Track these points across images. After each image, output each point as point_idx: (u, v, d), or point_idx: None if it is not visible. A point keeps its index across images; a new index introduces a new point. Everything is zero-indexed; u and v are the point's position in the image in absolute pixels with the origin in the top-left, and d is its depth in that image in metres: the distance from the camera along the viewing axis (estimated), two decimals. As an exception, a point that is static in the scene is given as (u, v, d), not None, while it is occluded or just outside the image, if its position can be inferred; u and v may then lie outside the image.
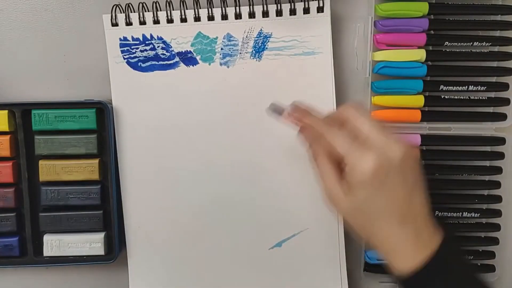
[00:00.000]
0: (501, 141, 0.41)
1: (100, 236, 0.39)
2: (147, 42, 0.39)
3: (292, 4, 0.37)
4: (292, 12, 0.38)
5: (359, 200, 0.30)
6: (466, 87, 0.39)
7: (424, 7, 0.38)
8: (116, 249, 0.39)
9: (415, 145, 0.30)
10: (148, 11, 0.38)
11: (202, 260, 0.41)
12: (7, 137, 0.38)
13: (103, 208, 0.39)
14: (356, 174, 0.29)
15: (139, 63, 0.39)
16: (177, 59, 0.39)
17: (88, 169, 0.38)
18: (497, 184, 0.41)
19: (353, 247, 0.42)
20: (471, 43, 0.39)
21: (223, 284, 0.41)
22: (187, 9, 0.38)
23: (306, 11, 0.38)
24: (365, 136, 0.29)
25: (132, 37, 0.39)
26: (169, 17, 0.38)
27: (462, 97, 0.40)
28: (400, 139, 0.29)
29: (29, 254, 0.40)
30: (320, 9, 0.38)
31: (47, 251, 0.39)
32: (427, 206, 0.30)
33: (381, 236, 0.30)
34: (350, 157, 0.29)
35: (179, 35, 0.39)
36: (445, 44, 0.39)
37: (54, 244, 0.39)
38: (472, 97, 0.40)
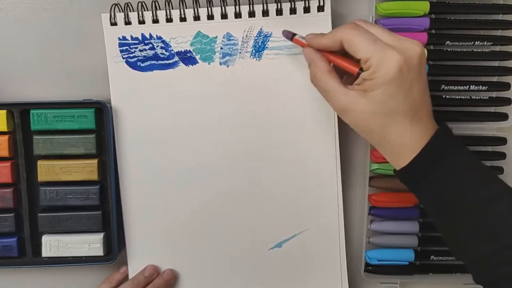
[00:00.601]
0: (503, 141, 0.41)
1: (99, 236, 0.39)
2: (146, 41, 0.38)
3: (293, 3, 0.37)
4: (292, 11, 0.37)
5: (379, 99, 0.30)
6: (468, 86, 0.39)
7: (425, 6, 0.38)
8: (115, 250, 0.39)
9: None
10: (147, 10, 0.38)
11: (202, 261, 0.41)
12: (6, 137, 0.38)
13: (102, 208, 0.39)
14: (382, 73, 0.29)
15: (138, 63, 0.39)
16: (176, 58, 0.39)
17: (87, 169, 0.38)
18: None
19: (354, 248, 0.42)
20: (472, 43, 0.39)
21: (223, 284, 0.41)
22: (186, 8, 0.38)
23: (307, 10, 0.37)
24: (383, 39, 0.30)
25: (131, 37, 0.38)
26: (169, 16, 0.38)
27: (463, 97, 0.40)
28: (412, 39, 0.31)
29: (28, 255, 0.39)
30: (320, 8, 0.37)
31: (46, 252, 0.39)
32: (431, 103, 0.32)
33: (395, 134, 0.31)
34: (375, 57, 0.30)
35: (178, 35, 0.38)
36: (446, 43, 0.39)
37: (53, 244, 0.39)
38: (473, 97, 0.40)
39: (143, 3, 0.38)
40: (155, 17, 0.38)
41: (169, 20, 0.38)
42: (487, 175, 0.31)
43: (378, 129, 0.31)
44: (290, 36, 0.36)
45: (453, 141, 0.31)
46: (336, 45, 0.32)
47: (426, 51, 0.32)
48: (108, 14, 0.38)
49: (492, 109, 0.41)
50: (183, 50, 0.38)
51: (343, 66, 0.32)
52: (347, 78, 0.33)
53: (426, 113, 0.31)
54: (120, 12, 0.38)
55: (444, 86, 0.39)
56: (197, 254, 0.41)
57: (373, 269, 0.41)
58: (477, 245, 0.30)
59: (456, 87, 0.39)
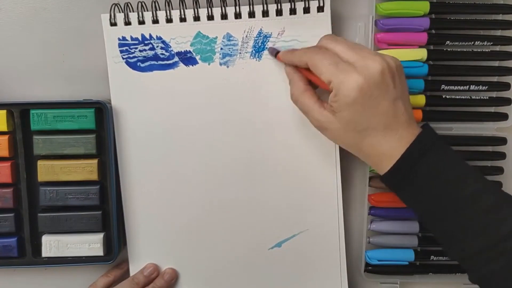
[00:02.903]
0: (503, 141, 0.41)
1: (99, 236, 0.39)
2: (146, 42, 0.38)
3: (292, 3, 0.37)
4: (292, 11, 0.37)
5: (348, 119, 0.31)
6: (468, 86, 0.39)
7: (425, 6, 0.38)
8: (115, 250, 0.39)
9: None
10: (147, 10, 0.38)
11: (202, 260, 0.41)
12: (6, 137, 0.38)
13: (102, 208, 0.39)
14: (342, 95, 0.31)
15: (138, 63, 0.39)
16: (176, 59, 0.39)
17: (87, 169, 0.38)
18: (499, 185, 0.41)
19: (354, 248, 0.42)
20: (472, 43, 0.39)
21: (223, 283, 0.41)
22: (186, 8, 0.38)
23: (306, 10, 0.37)
24: (345, 59, 0.31)
25: (131, 37, 0.38)
26: (168, 17, 0.38)
27: (463, 97, 0.40)
28: (377, 53, 0.32)
29: (28, 255, 0.39)
30: (320, 9, 0.37)
31: (46, 252, 0.39)
32: (409, 111, 0.32)
33: (369, 148, 0.32)
34: (335, 81, 0.31)
35: (178, 35, 0.38)
36: (446, 43, 0.39)
37: (52, 244, 0.39)
38: (473, 97, 0.40)
39: (143, 4, 0.38)
40: (155, 18, 0.38)
41: (169, 20, 0.38)
42: (469, 173, 0.31)
43: (353, 145, 0.33)
44: (274, 53, 0.37)
45: (433, 143, 0.32)
46: (304, 65, 0.34)
47: (394, 64, 0.31)
48: (108, 15, 0.38)
49: (492, 109, 0.41)
50: (183, 51, 0.38)
51: (317, 83, 0.34)
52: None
53: (402, 122, 0.31)
54: (120, 12, 0.38)
55: (444, 86, 0.39)
56: (197, 253, 0.41)
57: (373, 269, 0.41)
58: (464, 242, 0.30)
59: (456, 87, 0.39)
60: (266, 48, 0.38)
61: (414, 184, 0.32)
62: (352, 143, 0.33)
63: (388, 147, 0.31)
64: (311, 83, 0.35)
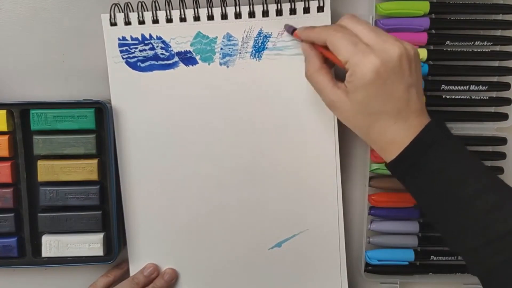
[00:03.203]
0: (503, 141, 0.41)
1: (99, 236, 0.39)
2: (146, 41, 0.38)
3: (292, 3, 0.37)
4: (292, 11, 0.37)
5: (361, 100, 0.31)
6: (468, 86, 0.39)
7: (425, 6, 0.38)
8: (115, 250, 0.39)
9: (413, 44, 0.33)
10: (147, 10, 0.38)
11: (202, 260, 0.41)
12: (6, 137, 0.38)
13: (102, 208, 0.39)
14: (358, 76, 0.30)
15: (138, 63, 0.39)
16: (176, 59, 0.39)
17: (87, 169, 0.38)
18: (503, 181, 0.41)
19: (354, 248, 0.42)
20: (472, 43, 0.39)
21: (223, 284, 0.41)
22: (186, 8, 0.38)
23: (306, 10, 0.37)
24: (365, 40, 0.31)
25: (131, 37, 0.38)
26: (169, 17, 0.38)
27: (463, 97, 0.40)
28: (397, 39, 0.31)
29: (28, 255, 0.39)
30: (320, 9, 0.37)
31: (46, 252, 0.39)
32: (421, 100, 0.32)
33: (378, 133, 0.32)
34: (352, 61, 0.31)
35: (178, 35, 0.38)
36: (446, 43, 0.39)
37: (52, 244, 0.39)
38: (473, 97, 0.40)
39: (143, 4, 0.38)
40: (155, 18, 0.38)
41: (169, 20, 0.38)
42: (475, 169, 0.31)
43: (362, 127, 0.33)
44: (291, 30, 0.37)
45: (442, 135, 0.32)
46: (322, 43, 0.33)
47: (412, 51, 0.31)
48: (108, 14, 0.38)
49: (492, 109, 0.40)
50: (183, 51, 0.38)
51: (335, 61, 0.33)
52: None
53: (413, 110, 0.31)
54: (120, 12, 0.38)
55: (444, 86, 0.39)
56: (197, 253, 0.41)
57: (373, 269, 0.41)
58: (467, 237, 0.30)
59: (456, 87, 0.39)
60: (267, 48, 0.38)
61: (419, 175, 0.31)
62: (361, 125, 0.33)
63: (397, 134, 0.31)
64: (327, 62, 0.35)
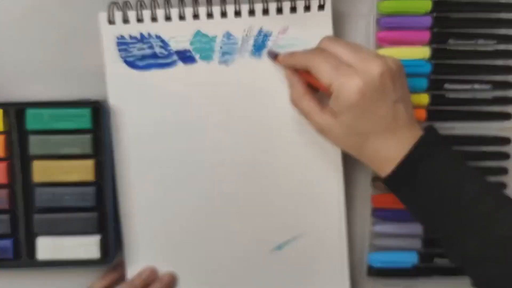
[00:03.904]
0: (506, 141, 0.40)
1: (96, 238, 0.38)
2: (144, 40, 0.38)
3: (293, 2, 0.37)
4: (293, 10, 0.37)
5: (348, 122, 0.32)
6: (471, 85, 0.39)
7: (427, 5, 0.38)
8: (112, 252, 0.38)
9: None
10: (146, 9, 0.38)
11: (201, 263, 0.40)
12: (1, 137, 0.37)
13: (99, 210, 0.39)
14: (343, 98, 0.31)
15: (137, 62, 0.38)
16: (175, 57, 0.38)
17: (83, 170, 0.38)
18: (503, 186, 0.40)
19: (356, 250, 0.41)
20: (475, 41, 0.39)
21: (223, 286, 0.40)
22: (185, 7, 0.37)
23: (307, 9, 0.37)
24: (345, 61, 0.31)
25: (130, 35, 0.38)
26: (167, 15, 0.37)
27: (467, 96, 0.39)
28: (377, 55, 0.31)
29: (23, 257, 0.39)
30: (321, 7, 0.37)
31: (42, 254, 0.38)
32: (410, 113, 0.32)
33: (370, 151, 0.32)
34: (335, 84, 0.31)
35: (177, 33, 0.38)
36: (449, 42, 0.39)
37: (48, 246, 0.38)
38: (477, 96, 0.39)
39: (142, 2, 0.37)
40: (153, 16, 0.38)
41: (168, 18, 0.38)
42: (470, 177, 0.31)
43: (354, 148, 0.33)
44: (273, 56, 0.37)
45: (435, 145, 0.32)
46: (304, 68, 0.34)
47: (394, 66, 0.31)
48: (106, 13, 0.37)
49: (496, 109, 0.40)
50: (182, 49, 0.38)
51: (318, 86, 0.34)
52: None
53: (402, 125, 0.32)
54: (118, 10, 0.38)
55: (447, 85, 0.39)
56: (196, 256, 0.40)
57: (376, 272, 0.41)
58: (464, 244, 0.30)
59: (459, 86, 0.39)
60: (266, 47, 0.38)
61: (415, 188, 0.31)
62: (353, 146, 0.33)
63: (389, 150, 0.32)
64: (311, 87, 0.35)
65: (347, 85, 0.30)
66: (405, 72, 0.33)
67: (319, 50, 0.34)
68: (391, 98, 0.31)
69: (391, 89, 0.31)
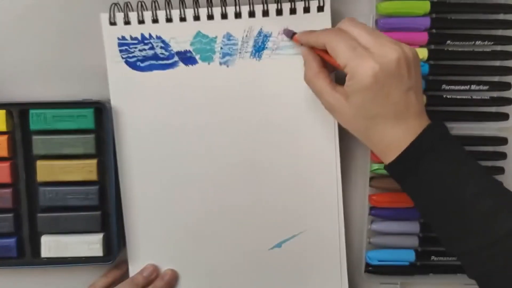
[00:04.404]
0: (504, 141, 0.41)
1: (99, 237, 0.39)
2: (145, 41, 0.38)
3: (292, 3, 0.37)
4: (292, 11, 0.37)
5: (360, 104, 0.31)
6: (469, 86, 0.39)
7: (425, 6, 0.38)
8: (114, 250, 0.39)
9: (414, 44, 0.34)
10: (147, 10, 0.38)
11: (202, 261, 0.41)
12: (5, 137, 0.38)
13: (102, 208, 0.39)
14: (357, 80, 0.31)
15: (138, 63, 0.38)
16: (176, 58, 0.38)
17: (86, 169, 0.38)
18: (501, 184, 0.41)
19: (354, 248, 0.42)
20: (473, 42, 0.39)
21: (224, 284, 0.41)
22: (186, 8, 0.38)
23: (306, 10, 0.37)
24: (363, 44, 0.31)
25: (131, 36, 0.38)
26: (168, 16, 0.38)
27: (464, 97, 0.40)
28: (395, 41, 0.31)
29: (27, 255, 0.39)
30: (320, 8, 0.37)
31: (45, 252, 0.39)
32: (421, 103, 0.32)
33: (377, 135, 0.32)
34: (351, 65, 0.31)
35: (178, 35, 0.38)
36: (447, 43, 0.39)
37: (52, 245, 0.39)
38: (474, 97, 0.40)
39: (143, 3, 0.38)
40: (154, 17, 0.38)
41: (168, 20, 0.38)
42: (473, 172, 0.31)
43: (362, 130, 0.33)
44: (290, 34, 0.37)
45: (441, 137, 0.32)
46: (321, 46, 0.33)
47: (411, 53, 0.31)
48: (108, 14, 0.38)
49: (493, 109, 0.40)
50: (183, 50, 0.38)
51: (334, 64, 0.33)
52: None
53: (413, 113, 0.32)
54: (119, 11, 0.38)
55: (445, 85, 0.39)
56: (197, 254, 0.41)
57: (373, 269, 0.41)
58: (465, 240, 0.30)
59: (457, 87, 0.39)
60: (266, 48, 0.38)
61: (417, 177, 0.31)
62: (360, 129, 0.33)
63: (396, 136, 0.31)
64: (327, 66, 0.35)
65: (363, 67, 0.30)
66: (420, 62, 0.33)
67: (338, 30, 0.33)
68: (405, 85, 0.31)
69: (406, 76, 0.31)
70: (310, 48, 0.35)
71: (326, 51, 0.33)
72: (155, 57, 0.38)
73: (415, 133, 0.31)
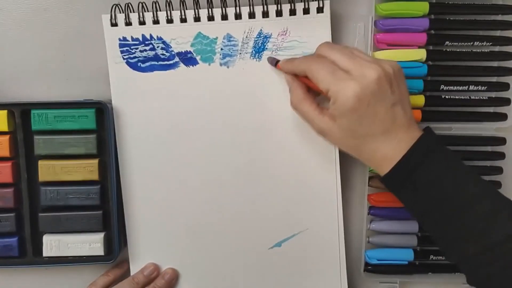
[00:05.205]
0: (502, 141, 0.41)
1: (100, 236, 0.39)
2: (146, 42, 0.38)
3: (292, 4, 0.37)
4: (292, 12, 0.37)
5: (347, 126, 0.32)
6: (467, 87, 0.39)
7: (424, 7, 0.38)
8: (115, 249, 0.39)
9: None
10: (148, 11, 0.38)
11: (202, 260, 0.41)
12: (7, 137, 0.38)
13: (103, 208, 0.39)
14: (340, 103, 0.31)
15: (139, 63, 0.39)
16: (177, 59, 0.39)
17: (88, 169, 0.38)
18: (498, 185, 0.41)
19: (353, 247, 0.42)
20: (471, 43, 0.39)
21: (224, 283, 0.41)
22: (187, 9, 0.38)
23: (306, 11, 0.37)
24: (342, 67, 0.32)
25: (132, 37, 0.38)
26: (169, 17, 0.38)
27: (462, 97, 0.40)
28: (374, 60, 0.32)
29: (29, 255, 0.39)
30: (320, 10, 0.37)
31: (47, 252, 0.39)
32: (409, 114, 0.33)
33: (369, 152, 0.33)
34: (333, 89, 0.31)
35: (179, 35, 0.38)
36: (446, 43, 0.39)
37: (53, 244, 0.39)
38: (472, 97, 0.40)
39: (144, 4, 0.38)
40: (155, 18, 0.38)
41: (169, 21, 0.38)
42: (467, 179, 0.31)
43: (354, 149, 0.34)
44: (274, 62, 0.38)
45: (433, 146, 0.32)
46: (303, 74, 0.34)
47: (391, 69, 0.31)
48: (109, 15, 0.38)
49: (491, 109, 0.41)
50: (183, 51, 0.39)
51: (316, 89, 0.34)
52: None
53: (401, 126, 0.32)
54: (120, 13, 0.38)
55: (443, 86, 0.39)
56: (197, 253, 0.41)
57: (372, 268, 0.41)
58: (463, 246, 0.31)
59: (455, 87, 0.39)
60: (267, 49, 0.38)
61: (413, 187, 0.32)
62: (352, 147, 0.34)
63: (387, 151, 0.32)
64: (312, 91, 0.36)
65: (344, 90, 0.31)
66: (403, 74, 0.33)
67: (316, 56, 0.34)
68: (389, 101, 0.31)
69: (388, 92, 0.31)
70: (294, 75, 0.36)
71: (308, 78, 0.34)
72: (156, 58, 0.39)
73: (407, 145, 0.31)
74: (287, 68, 0.36)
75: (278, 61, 0.37)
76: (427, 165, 0.31)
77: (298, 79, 0.36)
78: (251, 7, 0.37)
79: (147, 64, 0.39)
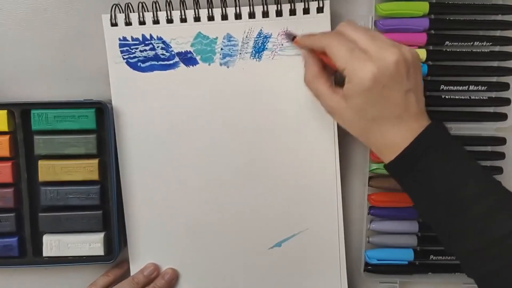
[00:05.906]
0: (502, 141, 0.41)
1: (100, 236, 0.39)
2: (146, 42, 0.38)
3: (292, 4, 0.37)
4: (292, 12, 0.38)
5: (359, 107, 0.32)
6: (467, 87, 0.39)
7: (424, 7, 0.38)
8: (115, 249, 0.39)
9: (412, 45, 0.34)
10: (148, 11, 0.38)
11: (202, 260, 0.41)
12: (6, 137, 0.38)
13: (103, 208, 0.39)
14: (356, 83, 0.31)
15: (139, 63, 0.39)
16: (177, 59, 0.39)
17: (88, 169, 0.38)
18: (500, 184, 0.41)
19: (353, 247, 0.42)
20: (471, 43, 0.39)
21: (224, 283, 0.41)
22: (187, 9, 0.38)
23: (306, 11, 0.37)
24: (362, 47, 0.31)
25: (132, 37, 0.38)
26: (169, 17, 0.38)
27: (462, 97, 0.40)
28: (394, 43, 0.31)
29: (29, 255, 0.39)
30: (320, 10, 0.37)
31: (47, 252, 0.39)
32: (421, 103, 0.32)
33: (377, 136, 0.32)
34: (349, 68, 0.31)
35: (179, 35, 0.38)
36: (446, 43, 0.39)
37: (53, 244, 0.39)
38: (472, 97, 0.40)
39: (144, 4, 0.38)
40: (155, 18, 0.38)
41: (169, 21, 0.38)
42: (472, 173, 0.31)
43: (362, 132, 0.33)
44: (291, 37, 0.37)
45: (441, 137, 0.32)
46: (321, 49, 0.34)
47: (410, 55, 0.31)
48: (109, 15, 0.38)
49: (491, 109, 0.41)
50: (183, 51, 0.39)
51: (332, 66, 0.34)
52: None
53: (413, 114, 0.32)
54: (120, 12, 0.38)
55: (443, 86, 0.39)
56: (198, 253, 0.41)
57: (372, 268, 0.41)
58: (464, 240, 0.31)
59: (455, 87, 0.39)
60: (266, 49, 0.38)
61: (416, 176, 0.32)
62: (360, 130, 0.33)
63: (396, 137, 0.32)
64: (327, 69, 0.35)
65: (361, 70, 0.30)
66: (421, 63, 0.33)
67: (337, 33, 0.33)
68: (404, 87, 0.31)
69: (405, 77, 0.31)
70: (311, 50, 0.35)
71: (326, 54, 0.33)
72: (156, 57, 0.39)
73: (415, 134, 0.31)
74: (305, 43, 0.35)
75: (295, 36, 0.37)
76: (432, 155, 0.31)
77: (314, 54, 0.35)
78: (251, 7, 0.37)
79: (147, 64, 0.39)
